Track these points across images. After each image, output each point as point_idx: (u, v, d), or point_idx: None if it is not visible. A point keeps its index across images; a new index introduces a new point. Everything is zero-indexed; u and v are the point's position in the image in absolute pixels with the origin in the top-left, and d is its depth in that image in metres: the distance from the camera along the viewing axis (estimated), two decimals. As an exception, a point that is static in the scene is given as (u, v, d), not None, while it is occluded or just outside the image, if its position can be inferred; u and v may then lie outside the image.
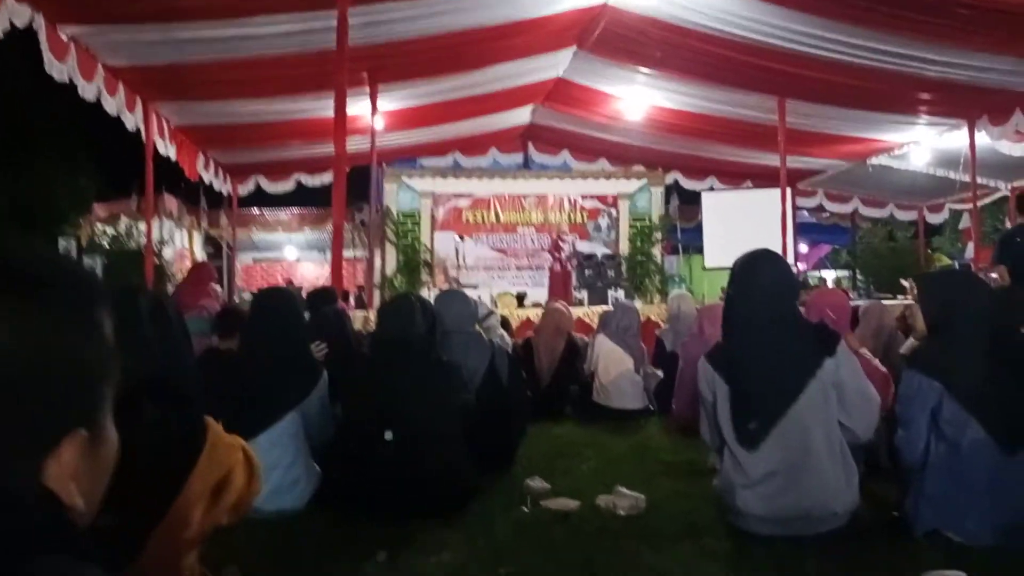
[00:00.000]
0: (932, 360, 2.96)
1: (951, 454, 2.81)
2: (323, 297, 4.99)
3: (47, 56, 7.06)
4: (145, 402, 1.74)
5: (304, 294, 7.55)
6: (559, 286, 12.12)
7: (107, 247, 14.64)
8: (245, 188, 14.75)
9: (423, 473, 3.02)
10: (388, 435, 3.27)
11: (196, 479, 1.72)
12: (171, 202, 15.85)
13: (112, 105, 8.51)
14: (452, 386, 3.13)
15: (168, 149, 10.66)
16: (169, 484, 1.68)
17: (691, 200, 16.57)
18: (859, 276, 19.75)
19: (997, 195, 14.80)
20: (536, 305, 10.83)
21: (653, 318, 10.06)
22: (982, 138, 10.51)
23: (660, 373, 6.18)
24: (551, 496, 3.42)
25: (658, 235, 14.98)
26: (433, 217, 14.43)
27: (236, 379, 3.17)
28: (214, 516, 1.83)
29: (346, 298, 12.90)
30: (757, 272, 3.08)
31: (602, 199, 14.94)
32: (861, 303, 7.02)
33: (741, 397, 2.93)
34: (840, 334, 3.05)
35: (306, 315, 3.61)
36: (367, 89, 10.42)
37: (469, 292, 12.23)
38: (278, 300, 3.52)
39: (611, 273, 12.80)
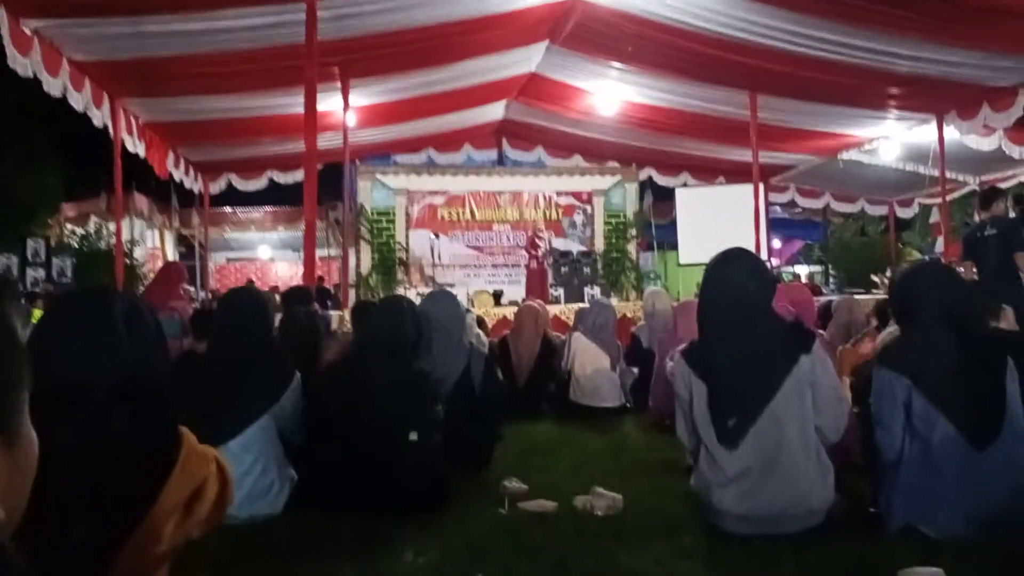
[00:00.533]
0: (900, 356, 2.97)
1: (923, 450, 2.82)
2: (297, 297, 4.91)
3: (10, 50, 6.90)
4: (116, 407, 1.68)
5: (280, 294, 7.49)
6: (536, 284, 12.10)
7: (76, 247, 14.38)
8: (217, 186, 14.58)
9: (399, 476, 2.98)
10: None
11: (169, 492, 1.66)
12: (141, 201, 15.63)
13: (79, 101, 8.36)
14: (429, 397, 3.09)
15: (137, 146, 10.49)
16: (141, 496, 1.62)
17: (665, 196, 16.65)
18: (831, 271, 19.94)
19: (966, 189, 14.99)
20: (513, 303, 10.79)
21: (629, 315, 10.06)
22: (951, 133, 10.64)
23: (635, 371, 6.18)
24: (528, 497, 3.39)
25: (633, 231, 15.01)
26: (408, 215, 14.35)
27: (206, 382, 3.10)
28: (186, 529, 1.78)
29: (328, 296, 12.80)
30: (731, 270, 3.08)
31: (577, 196, 14.94)
32: (832, 298, 7.09)
33: (718, 395, 2.92)
34: (815, 332, 3.05)
35: (277, 316, 3.54)
36: (339, 84, 10.33)
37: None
38: (244, 300, 3.45)
39: (587, 270, 12.82)
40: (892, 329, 4.03)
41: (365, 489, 2.98)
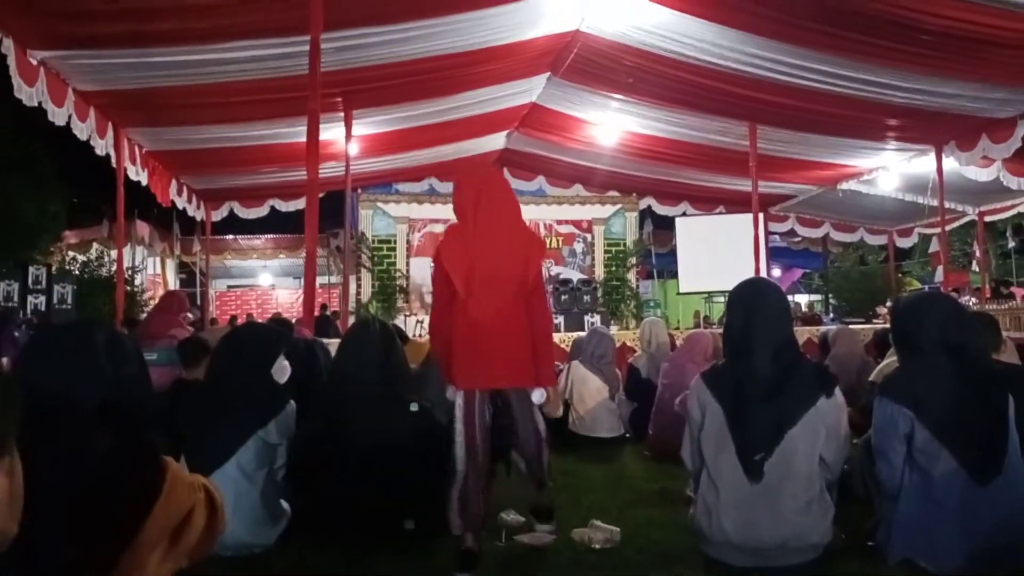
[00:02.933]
0: (903, 387, 2.96)
1: (923, 483, 2.80)
2: (287, 328, 4.89)
3: (16, 80, 7.00)
4: (98, 432, 1.68)
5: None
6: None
7: (78, 274, 14.40)
8: (219, 214, 14.67)
9: (389, 509, 2.96)
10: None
11: (153, 522, 1.65)
12: (143, 228, 15.70)
13: (82, 130, 8.45)
14: (415, 420, 3.07)
15: (140, 175, 10.58)
16: (124, 523, 1.61)
17: (665, 225, 16.72)
18: (831, 300, 19.94)
19: (965, 219, 15.07)
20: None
21: (629, 343, 10.05)
22: (950, 163, 10.70)
23: (634, 404, 6.15)
24: (525, 529, 3.37)
25: (633, 260, 15.04)
26: (409, 242, 14.39)
27: (200, 410, 3.10)
28: (174, 559, 1.77)
29: (329, 324, 12.78)
30: (763, 297, 3.08)
31: (577, 224, 15.01)
32: (831, 328, 7.08)
33: (741, 425, 2.89)
34: (836, 377, 3.05)
35: (286, 362, 3.50)
36: (342, 114, 10.42)
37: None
38: (246, 333, 3.48)
39: (587, 298, 12.82)
40: (891, 360, 4.03)
41: (358, 522, 2.96)
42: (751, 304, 3.02)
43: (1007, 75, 7.91)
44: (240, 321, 17.07)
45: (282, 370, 3.46)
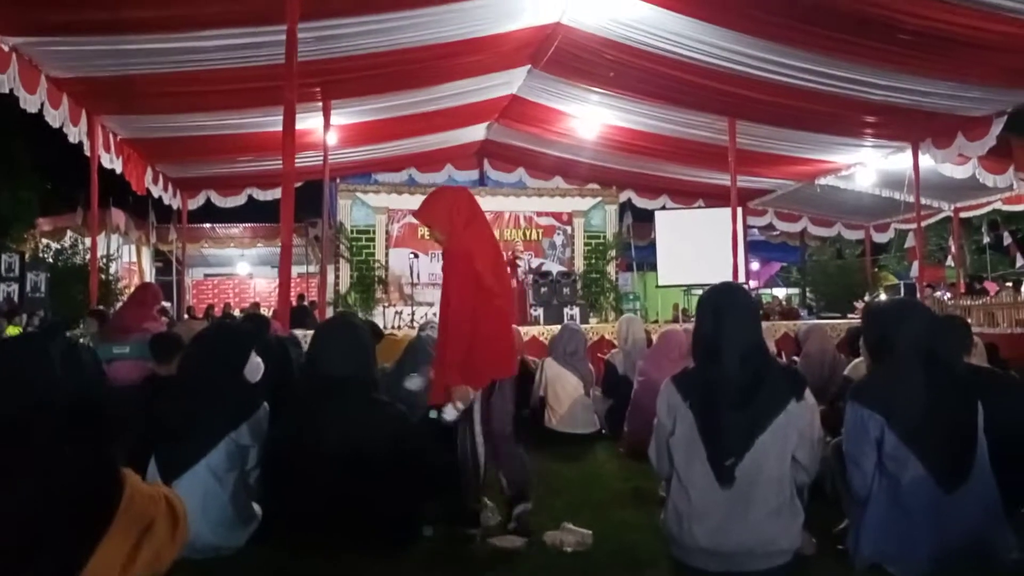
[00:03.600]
0: (874, 392, 2.97)
1: (892, 488, 2.82)
2: (260, 325, 4.84)
3: (-13, 68, 6.89)
4: (55, 448, 1.66)
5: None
6: (516, 304, 12.09)
7: (52, 262, 14.20)
8: (196, 202, 14.55)
9: (361, 510, 2.94)
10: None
11: (113, 533, 1.63)
12: (119, 216, 15.50)
13: (55, 118, 8.32)
14: (388, 424, 3.04)
15: (114, 163, 10.44)
16: (83, 537, 1.59)
17: (645, 218, 16.77)
18: (808, 294, 20.10)
19: (941, 215, 15.21)
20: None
21: (608, 336, 10.06)
22: (926, 160, 10.78)
23: (610, 400, 6.16)
24: (502, 530, 3.37)
25: (612, 253, 15.06)
26: (388, 233, 14.31)
27: (170, 409, 3.06)
28: (136, 570, 1.74)
29: (306, 315, 12.71)
30: (735, 301, 3.07)
31: (557, 216, 14.99)
32: (803, 325, 7.10)
33: (712, 430, 2.89)
34: (806, 379, 3.05)
35: (258, 359, 3.46)
36: (320, 104, 10.34)
37: (424, 309, 12.06)
38: (220, 331, 3.43)
39: (566, 291, 12.80)
40: (859, 361, 4.06)
41: (331, 525, 2.94)
42: (720, 308, 3.02)
43: (982, 75, 7.98)
44: (217, 311, 16.93)
45: (255, 369, 3.42)
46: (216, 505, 3.03)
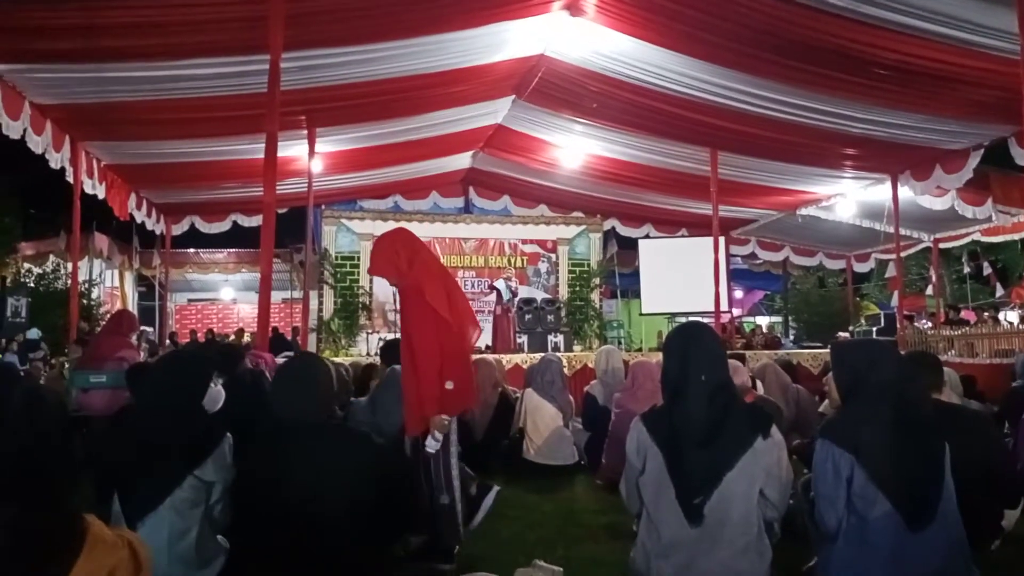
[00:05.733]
0: (843, 431, 2.98)
1: (859, 526, 2.83)
2: (232, 357, 4.80)
3: (-32, 94, 6.89)
4: (7, 500, 1.64)
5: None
6: (502, 331, 12.15)
7: (33, 286, 14.12)
8: (180, 228, 14.54)
9: (329, 549, 2.90)
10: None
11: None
12: (102, 241, 15.45)
13: (38, 144, 8.32)
14: (358, 460, 3.01)
15: (97, 188, 10.42)
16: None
17: (629, 246, 16.86)
18: (791, 322, 20.20)
19: (921, 246, 15.36)
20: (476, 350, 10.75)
21: (590, 365, 10.07)
22: (905, 192, 10.92)
23: (587, 432, 6.15)
24: (470, 568, 3.35)
25: (596, 280, 15.11)
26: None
27: (128, 448, 3.01)
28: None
29: (286, 346, 12.64)
30: (699, 341, 3.08)
31: (542, 244, 15.04)
32: (755, 365, 7.05)
33: (679, 468, 2.89)
34: (772, 416, 3.07)
35: (218, 387, 3.44)
36: (305, 132, 10.38)
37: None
38: (174, 362, 3.34)
39: (550, 318, 12.82)
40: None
41: (298, 565, 2.90)
42: (686, 348, 3.03)
43: (958, 109, 8.12)
44: (200, 336, 16.84)
45: (214, 398, 3.38)
46: (181, 545, 2.98)
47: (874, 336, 13.08)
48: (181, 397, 3.11)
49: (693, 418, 2.91)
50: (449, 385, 3.48)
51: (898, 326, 12.34)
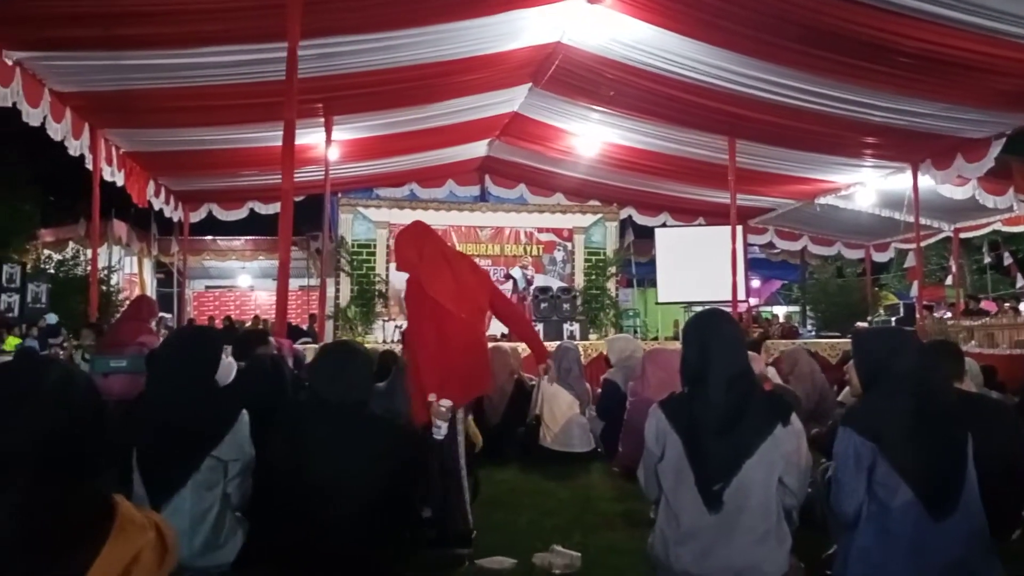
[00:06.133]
0: (865, 419, 2.96)
1: (880, 515, 2.81)
2: (256, 340, 4.85)
3: (-10, 81, 6.95)
4: (43, 478, 1.66)
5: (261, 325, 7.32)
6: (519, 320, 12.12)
7: (53, 272, 14.26)
8: (197, 215, 14.63)
9: (352, 534, 2.92)
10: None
11: (101, 565, 1.63)
12: (121, 228, 15.57)
13: (57, 131, 8.38)
14: (387, 444, 3.02)
15: (116, 175, 10.49)
16: (71, 570, 1.59)
17: (646, 235, 16.80)
18: (809, 312, 20.08)
19: (941, 236, 15.22)
20: (491, 338, 10.77)
21: (607, 353, 10.06)
22: (926, 181, 10.81)
23: (603, 422, 6.14)
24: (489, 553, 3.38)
25: (613, 269, 15.07)
26: (388, 247, 14.33)
27: (146, 432, 3.03)
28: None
29: (301, 333, 12.71)
30: (718, 328, 3.07)
31: (558, 233, 15.01)
32: (784, 349, 7.06)
33: (698, 455, 2.89)
34: (792, 404, 3.06)
35: (229, 359, 3.46)
36: (322, 119, 10.39)
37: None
38: (182, 341, 3.33)
39: (566, 307, 12.83)
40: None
41: (314, 548, 2.93)
42: (706, 335, 3.03)
43: (980, 97, 8.02)
44: (218, 323, 16.95)
45: (227, 369, 3.39)
46: (203, 525, 3.02)
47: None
48: (193, 375, 3.12)
49: (712, 405, 2.91)
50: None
51: (917, 316, 12.24)
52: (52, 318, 11.42)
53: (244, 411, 3.18)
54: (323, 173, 11.17)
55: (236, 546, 3.18)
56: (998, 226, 13.85)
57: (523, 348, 9.39)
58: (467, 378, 3.64)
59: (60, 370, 1.86)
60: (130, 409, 3.29)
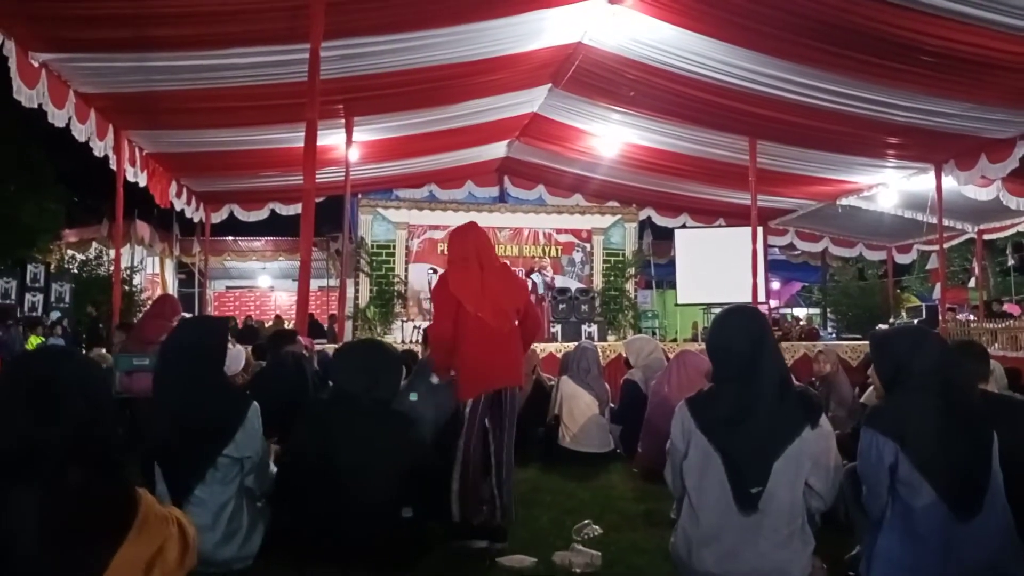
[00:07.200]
0: (888, 419, 2.94)
1: (904, 516, 2.79)
2: (283, 339, 4.90)
3: (16, 82, 7.03)
4: (70, 469, 1.68)
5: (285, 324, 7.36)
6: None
7: (76, 272, 14.43)
8: (219, 216, 14.75)
9: (371, 528, 2.94)
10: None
11: (124, 556, 1.65)
12: (143, 228, 15.72)
13: (82, 132, 8.48)
14: (406, 442, 3.04)
15: (139, 176, 10.59)
16: (94, 560, 1.61)
17: (665, 236, 16.74)
18: (829, 314, 19.92)
19: (964, 237, 15.05)
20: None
21: (625, 354, 10.04)
22: (949, 182, 10.69)
23: (620, 426, 6.13)
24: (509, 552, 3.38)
25: (631, 270, 15.03)
26: (408, 248, 14.39)
27: (161, 430, 3.05)
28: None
29: (320, 332, 12.77)
30: (751, 325, 3.05)
31: (576, 234, 15.00)
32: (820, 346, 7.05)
33: (726, 454, 2.87)
34: (821, 406, 3.03)
35: (237, 347, 3.48)
36: (343, 120, 10.44)
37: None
38: (185, 335, 3.32)
39: (585, 308, 12.82)
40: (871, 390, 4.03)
41: (337, 542, 2.95)
42: (735, 332, 3.01)
43: (1005, 97, 7.92)
44: (239, 324, 17.09)
45: (236, 358, 3.41)
46: (224, 518, 3.04)
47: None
48: (201, 369, 3.12)
49: (743, 405, 2.89)
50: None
51: (940, 318, 12.12)
52: (55, 315, 11.57)
53: (255, 404, 3.18)
54: (343, 174, 11.23)
55: (258, 539, 3.20)
56: (1022, 227, 13.69)
57: (541, 348, 9.42)
58: (475, 378, 3.80)
59: (80, 363, 1.88)
60: (152, 405, 3.32)
